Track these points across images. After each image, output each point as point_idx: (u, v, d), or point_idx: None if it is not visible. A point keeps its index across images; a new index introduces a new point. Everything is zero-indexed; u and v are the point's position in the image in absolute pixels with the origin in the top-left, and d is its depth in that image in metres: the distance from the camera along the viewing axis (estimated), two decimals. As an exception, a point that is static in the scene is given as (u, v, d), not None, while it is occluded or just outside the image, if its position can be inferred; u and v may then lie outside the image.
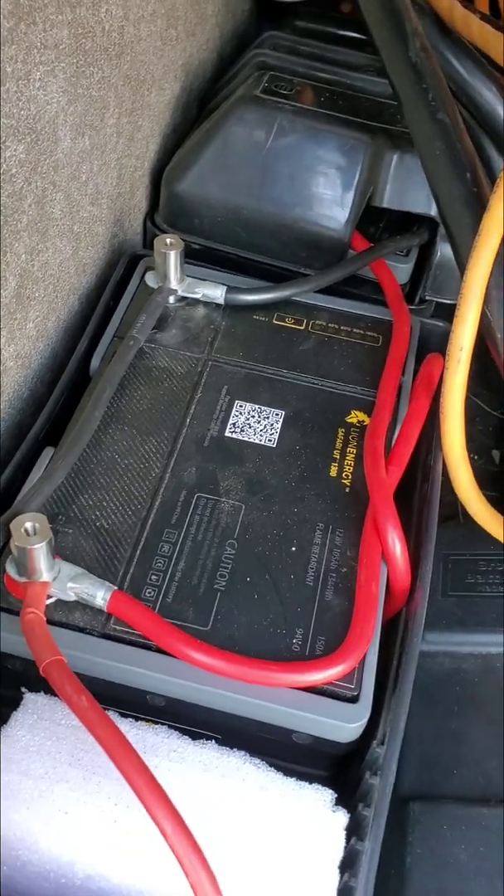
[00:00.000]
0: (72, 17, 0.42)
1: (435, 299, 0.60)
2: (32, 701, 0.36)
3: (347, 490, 0.44)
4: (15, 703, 0.37)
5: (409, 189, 0.57)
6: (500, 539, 0.48)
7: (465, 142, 0.47)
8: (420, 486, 0.48)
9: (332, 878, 0.33)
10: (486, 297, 0.43)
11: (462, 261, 0.44)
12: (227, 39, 0.74)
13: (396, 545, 0.41)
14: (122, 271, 0.54)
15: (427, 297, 0.60)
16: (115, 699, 0.37)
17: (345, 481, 0.45)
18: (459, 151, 0.46)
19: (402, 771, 0.45)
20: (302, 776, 0.36)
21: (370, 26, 0.53)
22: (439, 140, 0.46)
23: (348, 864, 0.34)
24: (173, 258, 0.51)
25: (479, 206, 0.44)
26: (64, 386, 0.48)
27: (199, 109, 0.68)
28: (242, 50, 0.71)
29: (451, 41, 0.56)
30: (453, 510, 0.55)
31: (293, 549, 0.41)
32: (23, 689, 0.37)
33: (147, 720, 0.37)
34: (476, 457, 0.82)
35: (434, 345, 0.54)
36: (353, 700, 0.36)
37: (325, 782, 0.36)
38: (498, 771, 0.45)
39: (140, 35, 0.52)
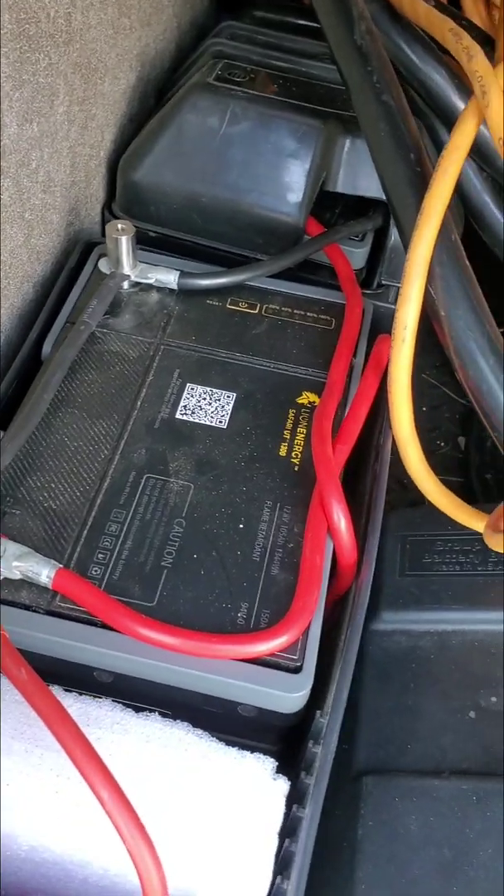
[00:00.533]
0: (12, 1, 0.42)
1: (392, 284, 0.61)
2: (-24, 677, 0.36)
3: (296, 469, 0.45)
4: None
5: (361, 174, 0.58)
6: (453, 516, 0.48)
7: (410, 123, 0.47)
8: (371, 465, 0.49)
9: (272, 844, 0.33)
10: (429, 276, 0.44)
11: (406, 240, 0.44)
12: (186, 30, 0.75)
13: (341, 520, 0.41)
14: (76, 258, 0.55)
15: (384, 282, 0.61)
16: (63, 676, 0.38)
17: (294, 460, 0.45)
18: (404, 132, 0.47)
19: (357, 747, 0.46)
20: (248, 749, 0.37)
21: (318, 11, 0.53)
22: (383, 121, 0.47)
23: (289, 831, 0.34)
24: (125, 243, 0.51)
25: (422, 186, 0.44)
26: (16, 371, 0.48)
27: (157, 99, 0.69)
28: (201, 40, 0.71)
29: (402, 27, 0.57)
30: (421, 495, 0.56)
31: (241, 526, 0.42)
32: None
33: (92, 695, 0.37)
34: (442, 444, 0.83)
35: (387, 327, 0.55)
36: (297, 670, 0.37)
37: (273, 756, 0.37)
38: (451, 744, 0.46)
39: (89, 23, 0.53)
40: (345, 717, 0.45)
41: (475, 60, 0.45)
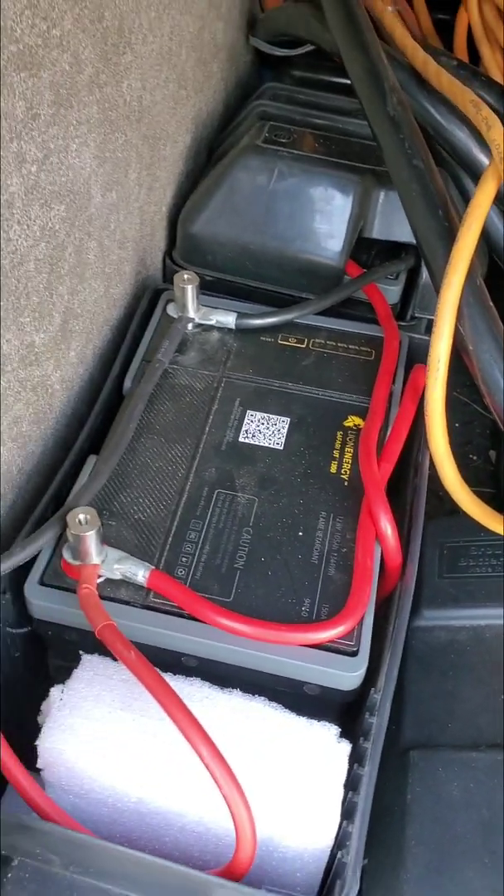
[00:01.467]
0: (100, 95, 0.50)
1: (424, 316, 0.68)
2: (89, 660, 0.44)
3: (346, 484, 0.52)
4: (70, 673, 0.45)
5: (395, 221, 0.65)
6: (485, 524, 0.55)
7: (438, 183, 0.54)
8: (412, 479, 0.56)
9: (338, 795, 0.40)
10: (458, 315, 0.51)
11: (437, 284, 0.51)
12: (232, 90, 0.83)
13: (387, 527, 0.48)
14: (146, 304, 0.62)
15: (416, 315, 0.68)
16: (156, 661, 0.45)
17: (343, 476, 0.52)
18: (433, 192, 0.54)
19: (403, 726, 0.52)
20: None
21: (353, 83, 0.61)
22: (415, 182, 0.54)
23: (352, 786, 0.41)
24: (190, 291, 0.59)
25: (450, 238, 0.51)
26: (102, 404, 0.56)
27: (208, 155, 0.77)
28: (246, 97, 0.79)
29: (427, 91, 0.65)
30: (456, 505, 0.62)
31: (300, 533, 0.49)
32: (80, 653, 0.45)
33: (184, 676, 0.45)
34: (475, 457, 0.89)
35: (422, 356, 0.61)
36: (354, 654, 0.44)
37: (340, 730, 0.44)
38: (487, 723, 0.52)
39: (155, 99, 0.61)
40: (394, 701, 0.52)
41: (493, 130, 0.53)
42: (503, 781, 0.49)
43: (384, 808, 0.48)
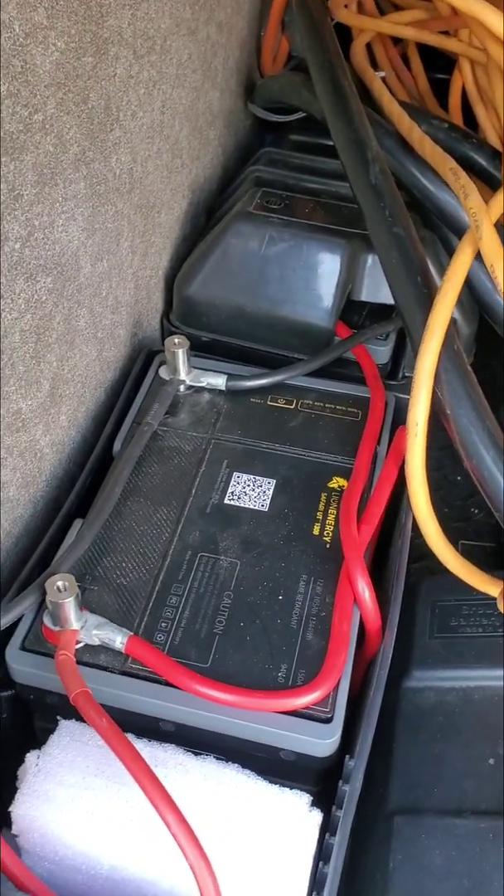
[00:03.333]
0: (86, 171, 0.52)
1: (415, 375, 0.69)
2: (66, 726, 0.44)
3: (328, 546, 0.52)
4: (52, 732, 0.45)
5: (382, 284, 0.66)
6: (469, 582, 0.55)
7: (418, 250, 0.56)
8: (396, 541, 0.56)
9: (308, 866, 0.40)
10: (436, 380, 0.51)
11: (415, 349, 0.52)
12: (230, 154, 0.85)
13: (365, 590, 0.49)
14: (140, 366, 0.64)
15: (407, 374, 0.69)
16: (133, 726, 0.45)
17: (326, 538, 0.53)
18: (412, 258, 0.55)
19: (390, 791, 0.52)
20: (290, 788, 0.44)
21: (339, 152, 0.63)
22: (395, 250, 0.56)
23: (323, 856, 0.41)
24: (181, 354, 0.60)
25: (428, 304, 0.52)
26: (91, 467, 0.57)
27: (207, 218, 0.79)
28: (245, 160, 0.81)
29: (414, 157, 0.66)
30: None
31: (280, 597, 0.50)
32: (58, 718, 0.45)
33: (158, 741, 0.45)
34: (476, 510, 0.89)
35: (410, 417, 0.62)
36: (328, 721, 0.44)
37: (313, 795, 0.44)
38: (472, 788, 0.52)
39: (147, 170, 0.63)
40: (380, 764, 0.52)
41: (470, 198, 0.54)
42: (485, 850, 0.49)
43: (367, 874, 0.48)
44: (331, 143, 0.81)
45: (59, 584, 0.45)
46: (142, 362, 0.64)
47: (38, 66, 0.44)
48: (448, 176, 0.58)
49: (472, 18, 0.60)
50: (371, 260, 0.66)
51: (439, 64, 0.91)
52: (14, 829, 0.42)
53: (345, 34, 0.81)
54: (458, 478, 0.91)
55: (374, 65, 0.85)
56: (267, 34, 0.87)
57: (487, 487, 0.51)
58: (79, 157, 0.51)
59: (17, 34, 0.41)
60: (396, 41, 0.90)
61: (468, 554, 0.78)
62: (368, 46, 0.85)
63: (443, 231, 0.69)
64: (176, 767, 0.43)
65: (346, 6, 0.80)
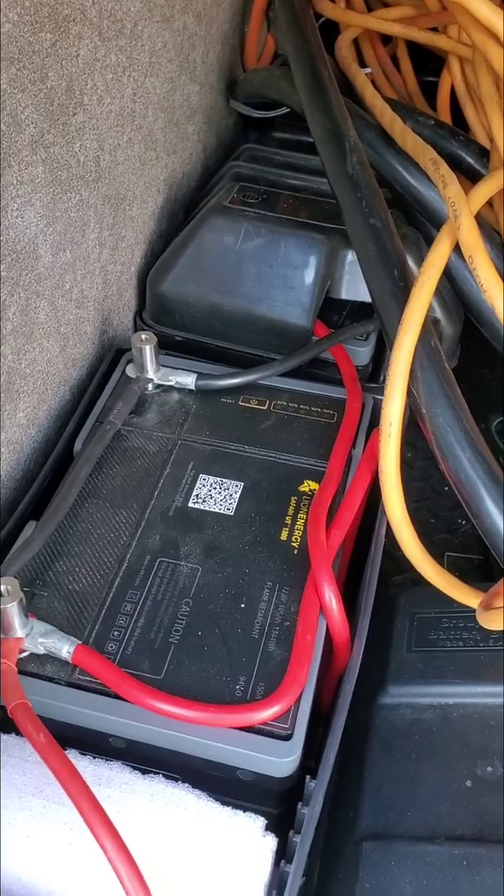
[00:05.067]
0: (45, 155, 0.50)
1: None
2: (5, 741, 0.41)
3: (296, 552, 0.49)
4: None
5: (362, 282, 0.63)
6: (446, 592, 0.52)
7: (395, 242, 0.53)
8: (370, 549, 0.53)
9: (259, 895, 0.37)
10: (411, 377, 0.49)
11: (391, 344, 0.49)
12: (212, 151, 0.83)
13: (332, 599, 0.45)
14: (107, 364, 0.61)
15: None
16: (82, 741, 0.42)
17: (294, 544, 0.50)
18: (389, 251, 0.53)
19: (361, 814, 0.49)
20: (248, 810, 0.41)
21: (316, 143, 0.60)
22: (371, 242, 0.53)
23: (277, 885, 0.38)
24: (148, 351, 0.58)
25: (404, 298, 0.50)
26: (50, 467, 0.54)
27: (185, 215, 0.76)
28: (228, 158, 0.79)
29: (396, 151, 0.64)
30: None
31: (242, 605, 0.46)
32: (-2, 732, 0.42)
33: (105, 759, 0.42)
34: (464, 522, 0.86)
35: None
36: (287, 738, 0.41)
37: (275, 819, 0.41)
38: (447, 811, 0.49)
39: (117, 160, 0.60)
40: (351, 786, 0.48)
41: (449, 188, 0.51)
42: (458, 879, 0.45)
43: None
44: (313, 139, 0.80)
45: (3, 588, 0.42)
46: (109, 360, 0.62)
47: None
48: (428, 166, 0.56)
49: (457, 5, 0.58)
50: (351, 256, 0.63)
51: (430, 67, 0.89)
52: None
53: (333, 32, 0.79)
54: (446, 488, 0.88)
55: (363, 64, 0.83)
56: (250, 30, 0.85)
57: (463, 490, 0.48)
58: (36, 138, 0.48)
59: (-40, 0, 0.39)
60: (386, 41, 0.88)
61: (454, 566, 0.75)
62: (357, 46, 0.83)
63: (426, 229, 0.67)
64: (121, 787, 0.40)
65: (331, 0, 0.78)
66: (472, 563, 0.80)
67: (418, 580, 0.56)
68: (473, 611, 0.51)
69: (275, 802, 0.43)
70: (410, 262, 0.60)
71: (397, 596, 0.58)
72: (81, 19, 0.51)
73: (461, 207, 0.49)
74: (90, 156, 0.56)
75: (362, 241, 0.53)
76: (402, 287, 0.51)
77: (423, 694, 0.53)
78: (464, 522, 0.85)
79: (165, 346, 0.59)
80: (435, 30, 0.80)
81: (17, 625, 0.42)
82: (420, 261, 0.65)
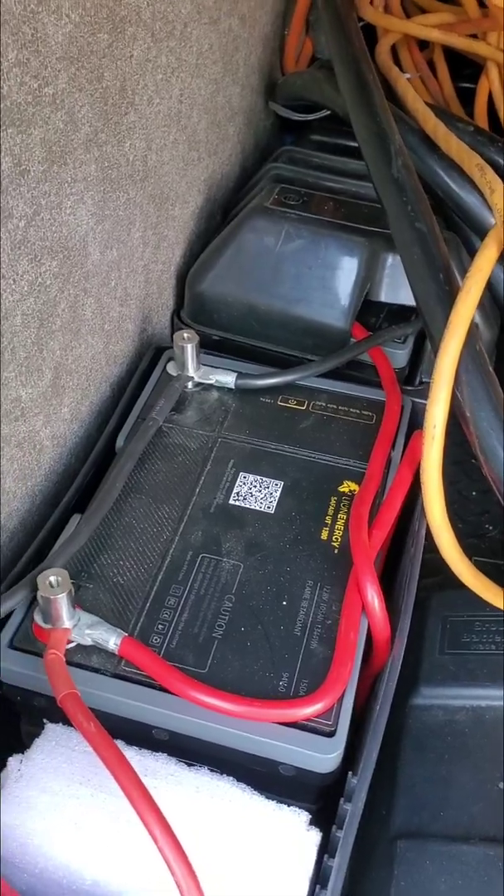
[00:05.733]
0: (98, 154, 0.51)
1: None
2: (52, 730, 0.42)
3: (336, 552, 0.50)
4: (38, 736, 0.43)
5: (402, 285, 0.64)
6: (483, 596, 0.52)
7: (440, 246, 0.53)
8: (409, 550, 0.53)
9: (304, 888, 0.37)
10: (456, 380, 0.49)
11: (435, 349, 0.50)
12: (249, 153, 0.83)
13: (374, 598, 0.46)
14: (147, 362, 0.62)
15: (424, 380, 0.66)
16: (124, 732, 0.43)
17: (334, 544, 0.50)
18: (434, 255, 0.53)
19: (394, 813, 0.49)
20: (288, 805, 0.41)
21: (360, 145, 0.61)
22: (416, 245, 0.53)
23: (320, 879, 0.38)
24: (190, 350, 0.58)
25: (449, 302, 0.50)
26: (92, 461, 0.55)
27: (222, 216, 0.77)
28: (265, 160, 0.80)
29: (438, 156, 0.64)
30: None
31: (284, 603, 0.47)
32: (45, 721, 0.43)
33: (150, 750, 0.42)
34: (491, 527, 0.86)
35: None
36: (330, 734, 0.42)
37: (312, 814, 0.41)
38: (481, 813, 0.49)
39: (163, 160, 0.61)
40: (383, 784, 0.49)
41: (496, 194, 0.52)
42: (493, 879, 0.46)
43: (365, 898, 0.45)
44: (352, 143, 0.80)
45: (52, 579, 0.42)
46: (149, 358, 0.62)
47: (50, 36, 0.42)
48: (474, 172, 0.56)
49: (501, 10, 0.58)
50: (391, 260, 0.64)
51: (465, 73, 0.89)
52: (-7, 838, 0.39)
53: (369, 38, 0.80)
54: (473, 493, 0.89)
55: (400, 69, 0.83)
56: (291, 33, 0.85)
57: (506, 494, 0.48)
58: (90, 137, 0.49)
59: (29, 0, 0.40)
60: (422, 46, 0.88)
61: (481, 571, 0.75)
62: (394, 51, 0.84)
63: (465, 233, 0.67)
64: (167, 778, 0.40)
65: (371, 4, 0.79)
66: (500, 568, 0.80)
67: (446, 583, 0.56)
68: (505, 615, 0.51)
69: (313, 798, 0.44)
70: (451, 267, 0.60)
71: (428, 598, 0.58)
72: (136, 20, 0.51)
73: (508, 214, 0.50)
74: (138, 155, 0.56)
75: (408, 245, 0.53)
76: (448, 291, 0.51)
77: (455, 696, 0.54)
78: (491, 528, 0.85)
79: (202, 345, 0.60)
80: (474, 36, 0.80)
81: (65, 616, 0.43)
82: (459, 264, 0.65)
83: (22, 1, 0.39)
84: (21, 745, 0.44)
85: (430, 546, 0.53)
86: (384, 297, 0.65)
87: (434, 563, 0.54)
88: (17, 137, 0.42)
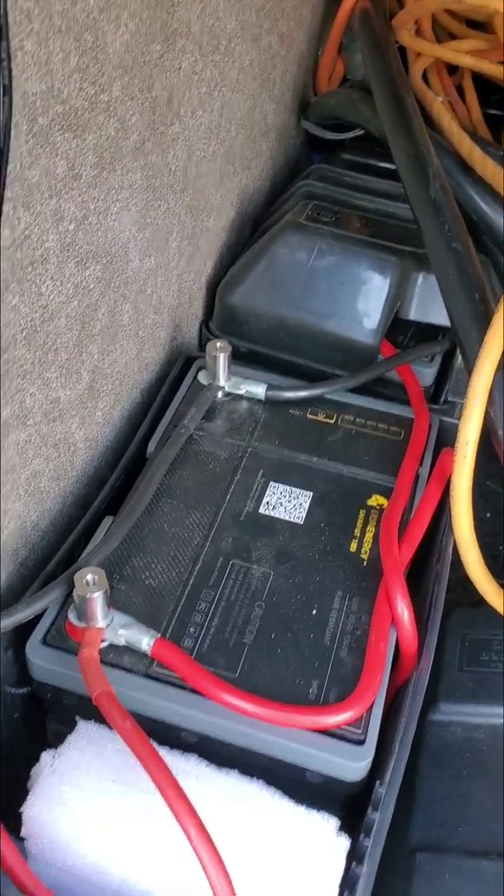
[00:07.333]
0: (144, 162, 0.51)
1: (457, 400, 0.67)
2: (84, 727, 0.42)
3: (365, 564, 0.50)
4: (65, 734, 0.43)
5: (432, 304, 0.65)
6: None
7: (476, 267, 0.54)
8: (434, 566, 0.54)
9: (333, 893, 0.38)
10: (490, 399, 0.50)
11: (469, 367, 0.50)
12: (280, 169, 0.84)
13: (404, 611, 0.46)
14: (178, 370, 0.62)
15: (449, 399, 0.67)
16: (153, 734, 0.43)
17: (363, 556, 0.51)
18: (470, 275, 0.54)
19: (413, 826, 0.49)
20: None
21: (398, 167, 0.62)
22: (453, 266, 0.54)
23: (348, 885, 0.39)
24: (222, 360, 0.59)
25: (484, 322, 0.51)
26: (124, 466, 0.55)
27: (252, 230, 0.78)
28: (294, 177, 0.81)
29: (472, 178, 0.65)
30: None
31: (314, 612, 0.47)
32: (76, 718, 0.43)
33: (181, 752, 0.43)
34: (503, 548, 0.86)
35: (451, 440, 0.60)
36: (360, 743, 0.42)
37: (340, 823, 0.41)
38: (499, 831, 0.49)
39: (202, 172, 0.62)
40: (403, 798, 0.49)
41: (533, 217, 0.52)
42: (513, 895, 0.46)
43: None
44: (382, 163, 0.81)
45: (89, 577, 0.43)
46: (180, 366, 0.63)
47: (109, 44, 0.43)
48: (509, 195, 0.57)
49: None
50: (422, 279, 0.65)
51: (492, 99, 0.90)
52: (23, 832, 0.39)
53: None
54: (488, 514, 0.89)
55: (429, 93, 0.84)
56: (325, 53, 0.86)
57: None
58: (138, 146, 0.50)
59: (91, 7, 0.40)
60: (451, 71, 0.89)
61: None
62: (423, 75, 0.85)
63: (496, 256, 0.68)
64: (197, 779, 0.41)
65: (408, 29, 0.80)
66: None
67: (465, 600, 0.56)
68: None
69: (339, 807, 0.44)
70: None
71: (448, 615, 0.58)
72: (186, 33, 0.52)
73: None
74: (180, 166, 0.57)
75: (444, 265, 0.54)
76: (483, 311, 0.52)
77: (474, 713, 0.54)
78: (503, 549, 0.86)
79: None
80: (504, 64, 0.81)
81: (100, 615, 0.43)
82: (490, 288, 0.66)
83: (85, 9, 0.40)
84: (46, 743, 0.44)
85: (451, 563, 0.54)
86: (414, 315, 0.66)
87: (453, 580, 0.54)
88: (72, 142, 0.42)
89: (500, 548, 0.87)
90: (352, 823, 0.42)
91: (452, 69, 0.89)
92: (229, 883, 0.34)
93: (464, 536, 0.51)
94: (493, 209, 0.64)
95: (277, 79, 0.75)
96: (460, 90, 0.89)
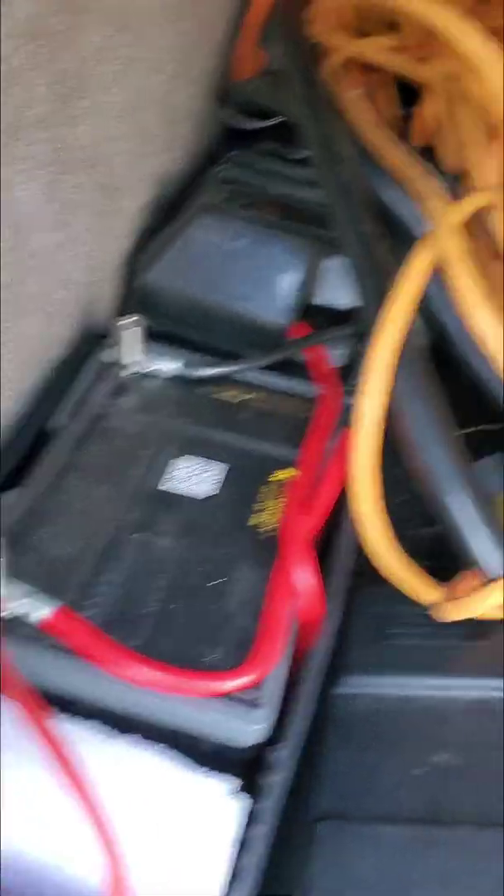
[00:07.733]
0: (50, 135, 0.51)
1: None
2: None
3: (270, 536, 0.51)
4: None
5: (342, 288, 0.66)
6: (409, 593, 0.54)
7: (382, 248, 0.56)
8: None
9: (225, 854, 0.38)
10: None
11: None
12: (198, 155, 0.84)
13: (303, 577, 0.47)
14: (88, 347, 0.62)
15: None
16: (54, 702, 0.43)
17: (268, 528, 0.51)
18: (377, 257, 0.55)
19: (316, 797, 0.50)
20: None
21: (311, 148, 0.63)
22: (360, 246, 0.55)
23: (244, 846, 0.39)
24: (131, 337, 0.59)
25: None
26: (25, 443, 0.55)
27: (168, 214, 0.78)
28: (212, 163, 0.81)
29: (381, 168, 0.66)
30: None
31: (218, 582, 0.48)
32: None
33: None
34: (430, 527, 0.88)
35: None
36: (253, 705, 0.42)
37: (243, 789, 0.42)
38: (405, 798, 0.50)
39: (116, 151, 0.62)
40: (306, 771, 0.49)
41: (429, 202, 0.54)
42: (412, 859, 0.47)
43: (284, 884, 0.46)
44: (298, 155, 0.82)
45: (-14, 545, 0.42)
46: (90, 343, 0.63)
47: (16, 9, 0.43)
48: (412, 182, 0.58)
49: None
50: (335, 263, 0.66)
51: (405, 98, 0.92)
52: None
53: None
54: (396, 501, 0.90)
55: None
56: (242, 41, 0.87)
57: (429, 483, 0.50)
58: (42, 117, 0.50)
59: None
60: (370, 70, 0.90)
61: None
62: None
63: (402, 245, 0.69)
64: (93, 745, 0.40)
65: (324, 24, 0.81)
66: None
67: (371, 574, 0.58)
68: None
69: (240, 772, 0.44)
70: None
71: (355, 588, 0.59)
72: (97, 7, 0.52)
73: (440, 220, 0.52)
74: (90, 141, 0.57)
75: (352, 246, 0.55)
76: (387, 290, 0.53)
77: (380, 685, 0.55)
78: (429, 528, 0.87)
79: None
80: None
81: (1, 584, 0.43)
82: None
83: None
84: None
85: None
86: (326, 299, 0.67)
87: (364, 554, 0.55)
88: (-27, 106, 0.42)
89: (409, 532, 0.88)
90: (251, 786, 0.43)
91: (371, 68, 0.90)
92: (109, 841, 0.34)
93: (363, 509, 0.51)
94: (399, 198, 0.65)
95: (195, 64, 0.76)
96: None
